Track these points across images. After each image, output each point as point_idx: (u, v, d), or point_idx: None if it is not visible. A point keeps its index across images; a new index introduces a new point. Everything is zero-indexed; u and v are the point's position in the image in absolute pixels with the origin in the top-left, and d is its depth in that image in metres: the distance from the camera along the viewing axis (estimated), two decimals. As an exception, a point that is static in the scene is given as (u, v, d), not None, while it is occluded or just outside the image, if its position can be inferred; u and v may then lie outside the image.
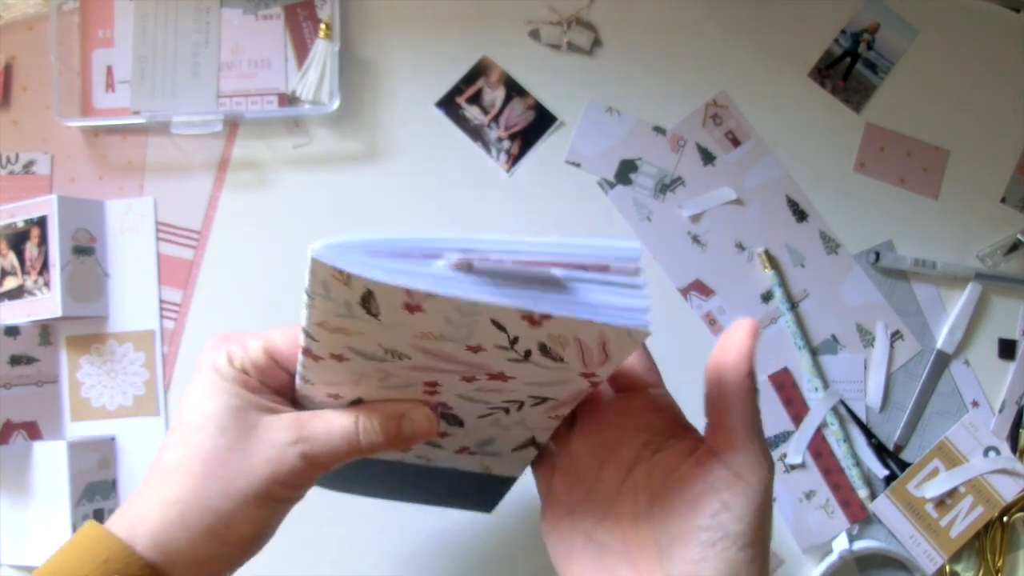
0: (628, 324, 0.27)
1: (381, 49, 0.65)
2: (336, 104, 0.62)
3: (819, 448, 0.64)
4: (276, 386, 0.35)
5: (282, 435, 0.33)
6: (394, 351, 0.30)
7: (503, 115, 0.65)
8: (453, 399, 0.35)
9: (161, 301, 0.63)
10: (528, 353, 0.29)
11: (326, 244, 0.26)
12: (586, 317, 0.27)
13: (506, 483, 0.45)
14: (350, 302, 0.27)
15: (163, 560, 0.32)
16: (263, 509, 0.33)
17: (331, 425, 0.33)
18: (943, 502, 0.64)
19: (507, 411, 0.35)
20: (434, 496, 0.49)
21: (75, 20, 0.64)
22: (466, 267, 0.26)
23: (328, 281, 0.26)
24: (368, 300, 0.27)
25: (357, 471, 0.38)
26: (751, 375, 0.33)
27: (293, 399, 0.36)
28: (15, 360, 0.62)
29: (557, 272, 0.27)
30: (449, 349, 0.29)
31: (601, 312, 0.27)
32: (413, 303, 0.26)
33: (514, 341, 0.28)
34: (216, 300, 0.63)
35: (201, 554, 0.32)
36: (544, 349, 0.29)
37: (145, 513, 0.33)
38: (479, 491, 0.46)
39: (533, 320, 0.27)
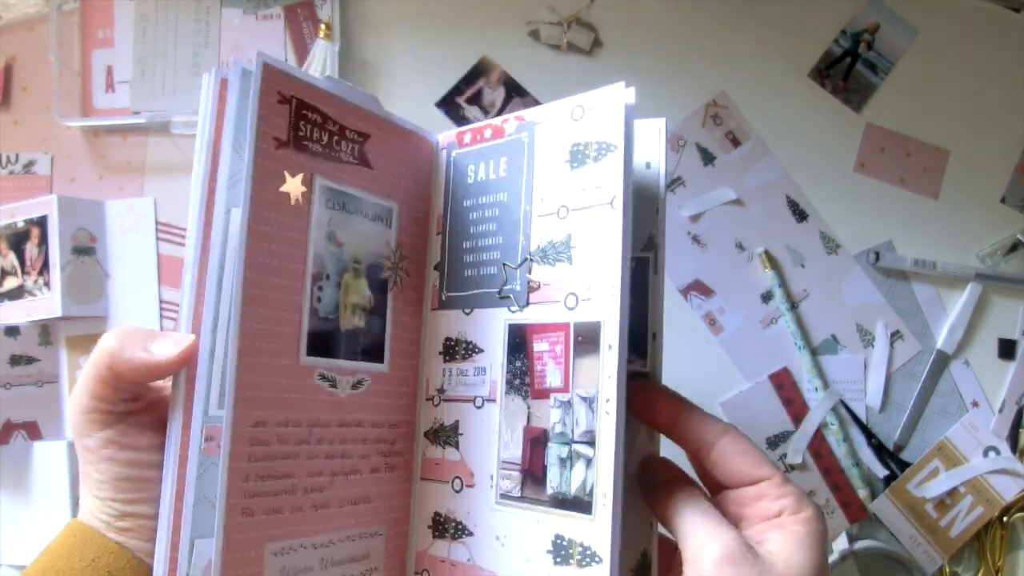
0: None
1: (381, 49, 0.65)
2: (336, 104, 0.62)
3: (819, 448, 0.64)
4: None
5: None
6: None
7: (503, 115, 0.65)
8: None
9: (161, 301, 0.63)
10: None
11: None
12: None
13: None
14: None
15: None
16: (96, 422, 0.33)
17: None
18: (943, 502, 0.64)
19: None
20: None
21: (75, 20, 0.64)
22: None
23: None
24: None
25: None
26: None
27: None
28: (15, 360, 0.62)
29: None
30: None
31: None
32: None
33: None
34: (216, 300, 0.63)
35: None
36: None
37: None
38: None
39: None
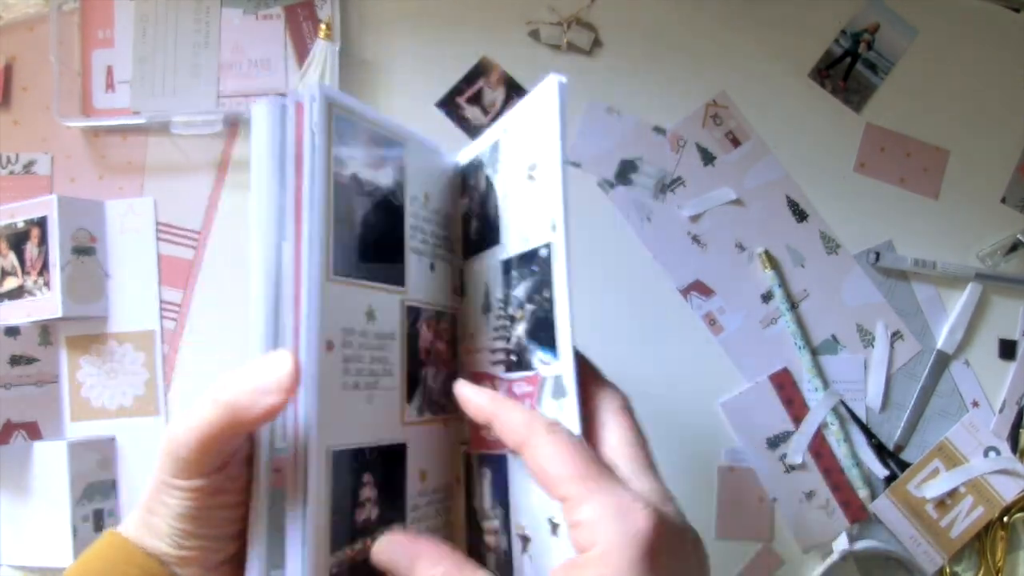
0: None
1: (381, 49, 0.65)
2: (336, 104, 0.62)
3: (819, 448, 0.64)
4: None
5: None
6: None
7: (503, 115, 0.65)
8: None
9: (161, 301, 0.63)
10: None
11: None
12: None
13: None
14: None
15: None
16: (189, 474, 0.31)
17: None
18: (943, 502, 0.64)
19: None
20: None
21: (75, 20, 0.64)
22: None
23: None
24: None
25: None
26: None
27: None
28: (15, 360, 0.62)
29: None
30: None
31: None
32: None
33: None
34: (216, 300, 0.63)
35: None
36: None
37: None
38: None
39: None
